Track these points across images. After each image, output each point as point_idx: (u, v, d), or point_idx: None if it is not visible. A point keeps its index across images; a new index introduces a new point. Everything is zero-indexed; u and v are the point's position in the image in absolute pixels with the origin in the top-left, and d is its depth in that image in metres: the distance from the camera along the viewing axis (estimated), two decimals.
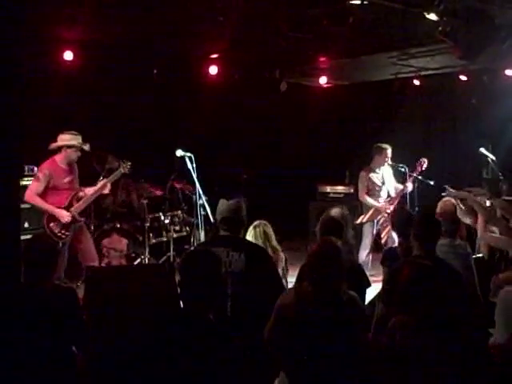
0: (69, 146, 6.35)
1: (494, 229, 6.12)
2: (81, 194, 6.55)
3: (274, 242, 5.13)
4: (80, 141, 6.41)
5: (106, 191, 6.78)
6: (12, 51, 3.98)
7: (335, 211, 5.30)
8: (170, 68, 8.45)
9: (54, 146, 6.36)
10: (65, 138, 6.37)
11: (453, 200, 6.00)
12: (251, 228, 5.11)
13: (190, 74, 8.80)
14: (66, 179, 6.40)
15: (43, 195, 6.25)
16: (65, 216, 6.29)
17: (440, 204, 6.00)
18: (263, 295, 3.93)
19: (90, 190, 6.62)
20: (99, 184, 6.69)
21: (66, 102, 7.88)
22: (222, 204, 4.30)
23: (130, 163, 6.83)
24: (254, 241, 4.97)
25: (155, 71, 8.45)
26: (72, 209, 6.39)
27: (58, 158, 6.36)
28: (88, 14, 5.99)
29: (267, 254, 4.50)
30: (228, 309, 3.97)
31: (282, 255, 5.19)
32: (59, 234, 6.31)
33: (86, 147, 6.46)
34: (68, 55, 7.46)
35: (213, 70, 8.75)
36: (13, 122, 4.05)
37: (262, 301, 3.90)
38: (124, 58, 7.79)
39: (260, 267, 4.10)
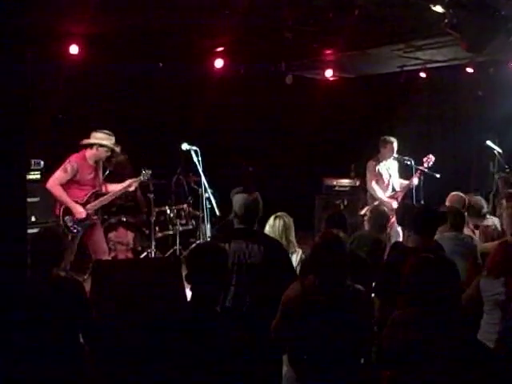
0: (101, 145, 6.35)
1: None
2: (102, 191, 6.58)
3: (292, 236, 5.17)
4: (113, 141, 6.41)
5: (132, 188, 6.84)
6: (17, 45, 3.98)
7: (382, 208, 6.08)
8: (175, 61, 8.44)
9: (86, 142, 6.35)
10: (98, 137, 6.36)
11: (461, 194, 6.05)
12: (272, 218, 5.18)
13: (195, 67, 8.79)
14: (90, 176, 6.40)
15: (65, 187, 6.26)
16: (80, 212, 6.28)
17: (448, 197, 6.07)
18: (279, 286, 3.98)
19: (113, 187, 6.68)
20: (120, 185, 6.72)
21: (71, 96, 7.90)
22: (241, 198, 4.31)
23: (150, 172, 6.87)
24: (271, 231, 5.09)
25: (161, 65, 8.46)
26: (88, 206, 6.38)
27: (88, 153, 6.35)
28: (93, 8, 5.99)
29: (282, 247, 4.60)
30: (247, 299, 4.09)
31: (297, 250, 5.20)
32: (71, 228, 6.30)
33: (118, 149, 6.46)
34: (74, 49, 7.47)
35: (218, 63, 8.74)
36: (18, 117, 4.05)
37: (278, 292, 3.94)
38: (129, 51, 7.79)
39: (277, 259, 4.19)
